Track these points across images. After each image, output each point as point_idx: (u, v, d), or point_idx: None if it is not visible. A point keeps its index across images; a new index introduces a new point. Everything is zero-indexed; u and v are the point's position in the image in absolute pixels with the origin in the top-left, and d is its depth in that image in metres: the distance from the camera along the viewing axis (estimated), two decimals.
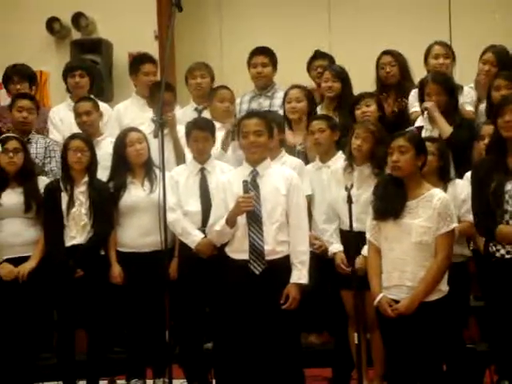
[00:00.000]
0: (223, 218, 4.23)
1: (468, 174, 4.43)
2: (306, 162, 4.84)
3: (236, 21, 7.63)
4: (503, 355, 4.06)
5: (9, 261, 4.64)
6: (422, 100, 4.91)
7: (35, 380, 4.83)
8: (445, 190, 4.27)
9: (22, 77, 5.52)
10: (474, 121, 4.95)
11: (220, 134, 4.91)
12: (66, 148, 4.75)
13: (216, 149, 4.81)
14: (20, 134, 4.95)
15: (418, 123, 4.89)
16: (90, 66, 6.01)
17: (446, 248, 3.80)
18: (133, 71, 5.68)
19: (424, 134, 4.72)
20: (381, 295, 3.83)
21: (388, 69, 5.33)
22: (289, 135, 4.98)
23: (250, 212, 4.17)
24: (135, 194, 4.71)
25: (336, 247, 4.42)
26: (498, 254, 3.73)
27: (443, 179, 4.34)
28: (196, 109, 5.45)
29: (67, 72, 5.65)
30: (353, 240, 4.12)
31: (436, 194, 3.85)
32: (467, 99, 5.10)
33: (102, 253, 4.68)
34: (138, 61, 5.74)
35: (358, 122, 4.68)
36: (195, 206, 4.61)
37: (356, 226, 4.10)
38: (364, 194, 4.21)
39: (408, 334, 3.79)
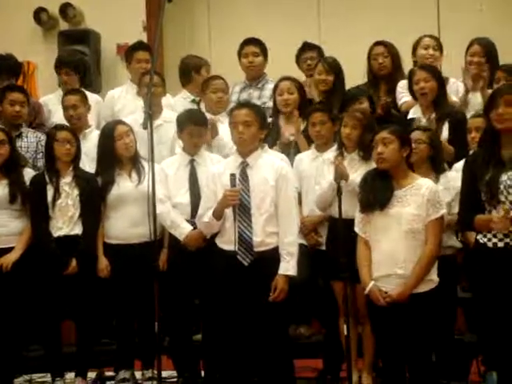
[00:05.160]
0: (211, 210, 4.23)
1: (457, 165, 4.46)
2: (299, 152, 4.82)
3: (224, 10, 7.61)
4: (490, 346, 4.07)
5: None
6: (410, 89, 4.93)
7: (23, 372, 4.83)
8: (437, 180, 4.30)
9: (10, 69, 5.49)
10: (463, 111, 4.98)
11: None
12: (51, 139, 4.73)
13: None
14: (10, 128, 4.91)
15: (411, 115, 4.91)
16: (79, 61, 5.97)
17: (437, 234, 3.85)
18: (127, 59, 5.74)
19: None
20: (371, 283, 3.85)
21: (380, 59, 5.34)
22: (285, 131, 4.94)
23: (239, 203, 4.16)
24: (123, 185, 4.69)
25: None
26: (490, 244, 3.74)
27: (435, 169, 4.36)
28: (193, 100, 5.45)
29: (57, 66, 5.64)
30: (342, 227, 4.11)
31: (424, 183, 3.90)
32: (452, 90, 5.13)
33: None
34: (131, 48, 5.79)
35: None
36: (184, 197, 4.59)
37: (345, 211, 4.10)
38: (355, 178, 4.20)
39: (398, 323, 3.81)
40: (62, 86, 5.57)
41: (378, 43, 5.42)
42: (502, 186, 3.69)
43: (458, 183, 3.97)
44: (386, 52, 5.36)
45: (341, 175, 4.18)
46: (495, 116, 3.76)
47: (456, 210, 4.15)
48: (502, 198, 3.69)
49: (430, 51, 5.25)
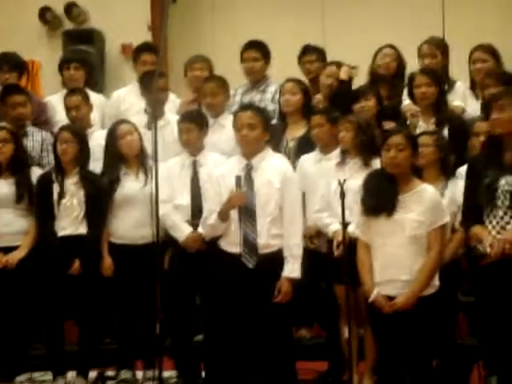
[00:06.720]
0: (216, 212, 4.24)
1: (460, 170, 4.47)
2: (298, 157, 4.81)
3: (229, 11, 7.62)
4: (491, 350, 4.08)
5: None
6: (410, 94, 4.93)
7: (25, 370, 4.83)
8: (445, 185, 4.30)
9: (12, 66, 5.49)
10: (461, 117, 4.98)
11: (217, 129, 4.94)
12: (56, 139, 4.76)
13: None
14: (16, 128, 4.92)
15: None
16: (85, 58, 5.99)
17: (440, 242, 3.83)
18: (134, 60, 5.74)
19: (418, 130, 4.75)
20: (375, 291, 3.84)
21: (388, 59, 5.33)
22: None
23: (244, 206, 4.17)
24: (130, 186, 4.70)
25: (336, 226, 4.30)
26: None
27: (444, 173, 4.36)
28: (195, 100, 5.46)
29: (62, 64, 5.64)
30: (345, 231, 4.09)
31: (427, 189, 3.89)
32: (457, 94, 5.13)
33: None
34: (137, 50, 5.79)
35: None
36: (185, 199, 4.60)
37: (346, 217, 4.09)
38: (354, 184, 4.17)
39: (399, 328, 3.81)
40: (68, 83, 5.56)
41: (389, 45, 5.41)
42: (499, 191, 3.70)
43: None
44: (394, 55, 5.36)
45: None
46: (491, 122, 3.80)
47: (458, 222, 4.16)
48: (499, 203, 3.70)
49: (426, 61, 5.23)
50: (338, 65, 5.29)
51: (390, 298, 3.82)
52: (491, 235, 3.71)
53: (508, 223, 3.69)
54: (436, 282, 3.86)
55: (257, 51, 5.45)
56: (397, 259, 3.81)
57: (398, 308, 3.78)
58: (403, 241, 3.80)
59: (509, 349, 3.75)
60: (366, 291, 3.89)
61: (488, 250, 3.66)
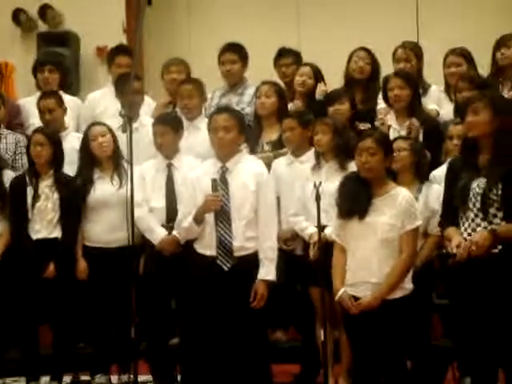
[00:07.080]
0: (191, 215, 4.23)
1: (434, 173, 4.50)
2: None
3: (205, 14, 7.63)
4: (465, 352, 4.11)
5: None
6: (385, 96, 4.96)
7: None
8: (419, 189, 4.34)
9: None
10: (436, 119, 5.02)
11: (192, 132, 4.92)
12: (29, 142, 4.74)
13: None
14: None
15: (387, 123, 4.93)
16: (60, 61, 5.97)
17: (411, 245, 3.85)
18: (108, 62, 5.72)
19: (392, 133, 4.78)
20: (342, 290, 3.84)
21: (361, 63, 5.34)
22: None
23: (219, 209, 4.17)
24: (104, 189, 4.68)
25: (313, 229, 4.31)
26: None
27: (419, 177, 4.39)
28: (170, 103, 5.45)
29: (36, 67, 5.61)
30: (320, 234, 4.11)
31: (401, 192, 3.90)
32: (431, 98, 5.17)
33: None
34: (112, 52, 5.78)
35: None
36: (160, 202, 4.59)
37: (322, 219, 4.10)
38: (330, 187, 4.18)
39: (372, 330, 3.82)
40: (42, 85, 5.53)
41: (363, 48, 5.43)
42: (471, 193, 3.73)
43: (441, 198, 4.01)
44: (367, 59, 5.38)
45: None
46: (465, 125, 3.84)
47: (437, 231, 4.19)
48: (470, 205, 3.73)
49: (401, 65, 5.27)
50: (312, 66, 5.32)
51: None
52: (460, 236, 3.74)
53: (479, 225, 3.72)
54: (409, 284, 3.88)
55: (234, 54, 5.45)
56: (368, 262, 3.82)
57: (363, 308, 3.79)
58: (375, 244, 3.82)
59: (482, 350, 3.78)
60: (334, 291, 3.90)
61: (454, 250, 3.69)
